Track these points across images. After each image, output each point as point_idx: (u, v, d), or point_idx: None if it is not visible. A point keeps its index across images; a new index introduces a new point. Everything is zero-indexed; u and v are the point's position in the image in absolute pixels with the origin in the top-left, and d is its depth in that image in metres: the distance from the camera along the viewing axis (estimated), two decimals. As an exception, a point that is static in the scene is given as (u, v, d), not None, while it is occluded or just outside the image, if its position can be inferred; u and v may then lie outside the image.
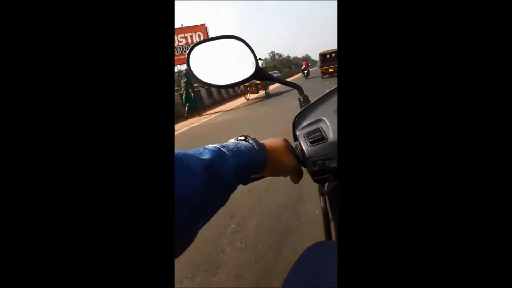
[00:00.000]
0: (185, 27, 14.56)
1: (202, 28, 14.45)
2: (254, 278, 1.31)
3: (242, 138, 0.38)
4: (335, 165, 0.41)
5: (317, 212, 1.69)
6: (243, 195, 2.08)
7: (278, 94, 10.36)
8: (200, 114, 8.49)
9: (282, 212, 1.84)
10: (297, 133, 0.45)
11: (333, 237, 0.55)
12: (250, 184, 0.38)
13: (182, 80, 8.53)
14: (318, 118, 0.44)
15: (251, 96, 10.79)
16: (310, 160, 0.42)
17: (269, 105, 7.97)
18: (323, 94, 0.46)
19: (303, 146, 0.43)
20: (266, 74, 0.47)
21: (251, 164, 0.35)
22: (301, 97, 0.49)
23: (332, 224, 0.55)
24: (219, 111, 8.69)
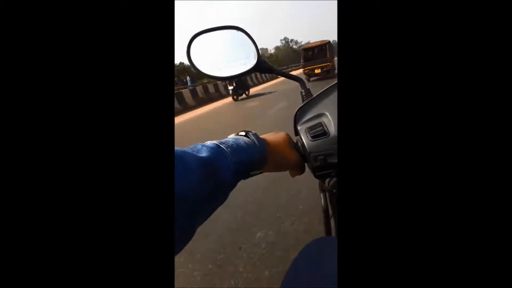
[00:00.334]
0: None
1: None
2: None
3: (243, 133, 0.38)
4: (336, 160, 0.41)
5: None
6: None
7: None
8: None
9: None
10: (298, 127, 0.44)
11: (333, 233, 0.55)
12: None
13: None
14: (320, 112, 0.44)
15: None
16: (311, 155, 0.42)
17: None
18: (325, 88, 0.45)
19: (304, 141, 0.42)
20: (268, 66, 0.46)
21: (251, 160, 0.34)
22: (303, 90, 0.48)
23: (332, 220, 0.55)
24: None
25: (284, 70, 0.53)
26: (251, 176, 0.38)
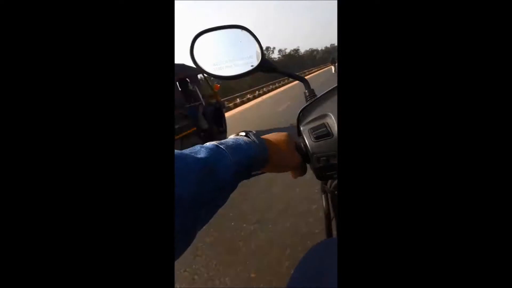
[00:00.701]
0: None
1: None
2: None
3: (243, 133, 0.37)
4: None
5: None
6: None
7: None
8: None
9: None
10: (301, 128, 0.44)
11: (334, 235, 0.55)
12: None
13: None
14: (323, 113, 0.43)
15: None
16: (314, 156, 0.41)
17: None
18: (329, 89, 0.44)
19: (307, 142, 0.42)
20: (272, 65, 0.46)
21: (251, 160, 0.34)
22: (306, 91, 0.48)
23: (333, 222, 0.55)
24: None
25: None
26: (252, 176, 0.37)
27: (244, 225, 1.97)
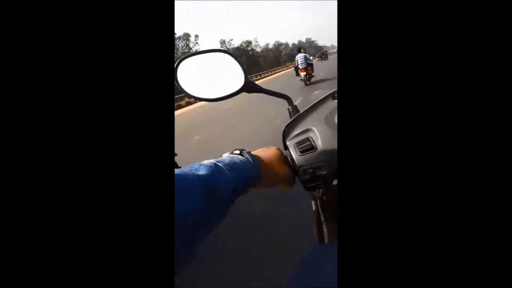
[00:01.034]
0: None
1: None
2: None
3: (237, 152, 0.38)
4: (324, 172, 0.42)
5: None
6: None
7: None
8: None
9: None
10: (287, 142, 0.45)
11: (326, 239, 0.55)
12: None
13: None
14: (307, 127, 0.45)
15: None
16: (301, 169, 0.43)
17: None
18: (311, 104, 0.46)
19: (294, 156, 0.44)
20: (255, 86, 0.47)
21: (247, 178, 0.35)
22: (290, 107, 0.50)
23: (323, 226, 0.55)
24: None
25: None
26: (246, 192, 0.37)
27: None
